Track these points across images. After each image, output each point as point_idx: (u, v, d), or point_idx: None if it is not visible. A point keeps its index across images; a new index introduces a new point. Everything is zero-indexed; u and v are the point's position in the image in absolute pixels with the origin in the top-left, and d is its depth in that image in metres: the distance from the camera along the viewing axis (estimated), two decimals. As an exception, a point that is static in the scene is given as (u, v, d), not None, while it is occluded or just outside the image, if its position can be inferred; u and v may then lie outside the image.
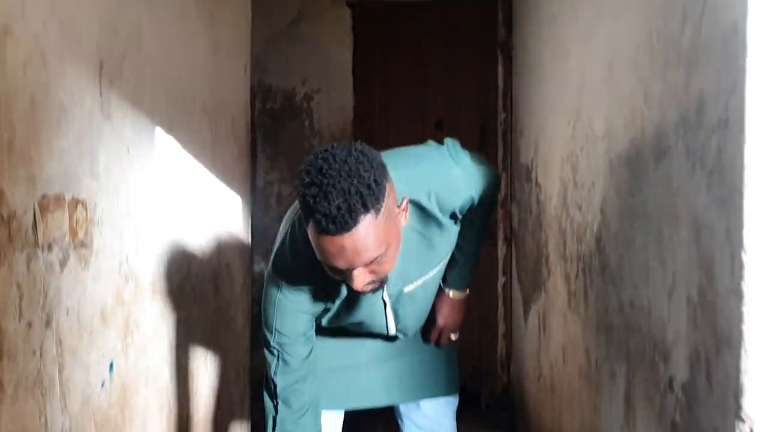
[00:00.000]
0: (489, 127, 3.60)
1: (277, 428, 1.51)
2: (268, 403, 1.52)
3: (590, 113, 1.87)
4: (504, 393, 3.62)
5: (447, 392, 1.83)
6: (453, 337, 1.78)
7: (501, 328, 3.63)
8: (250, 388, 2.61)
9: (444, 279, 1.74)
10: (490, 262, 3.68)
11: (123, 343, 1.54)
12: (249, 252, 2.62)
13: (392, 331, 1.65)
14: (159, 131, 1.74)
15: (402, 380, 1.76)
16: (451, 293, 1.73)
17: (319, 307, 1.51)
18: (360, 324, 1.61)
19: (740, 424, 0.98)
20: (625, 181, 1.55)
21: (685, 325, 1.18)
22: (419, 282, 1.58)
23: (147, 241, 1.66)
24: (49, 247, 1.24)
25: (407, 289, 1.57)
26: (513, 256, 3.45)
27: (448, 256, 1.63)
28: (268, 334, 1.50)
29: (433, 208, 1.45)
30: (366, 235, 1.18)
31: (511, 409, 3.53)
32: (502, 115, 3.49)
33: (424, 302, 1.67)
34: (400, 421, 1.84)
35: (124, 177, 1.54)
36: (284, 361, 1.51)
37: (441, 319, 1.72)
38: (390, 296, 1.56)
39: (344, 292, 1.49)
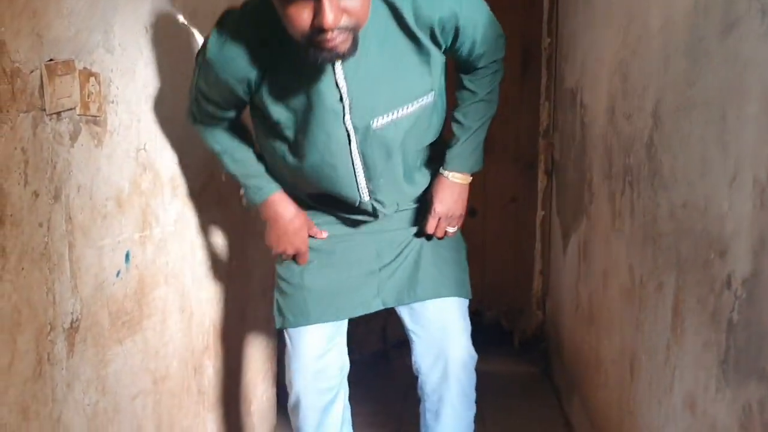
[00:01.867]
0: (532, 54, 3.44)
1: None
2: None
3: (645, 11, 1.72)
4: (538, 330, 3.52)
5: (453, 293, 1.68)
6: (451, 230, 1.64)
7: (537, 265, 3.51)
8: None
9: (443, 161, 1.61)
10: (528, 196, 3.56)
11: (140, 234, 1.47)
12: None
13: (365, 194, 1.51)
14: (181, 18, 1.64)
15: (398, 281, 1.64)
16: (450, 175, 1.59)
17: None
18: (324, 178, 1.49)
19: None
20: (683, 73, 1.41)
21: (750, 211, 1.06)
22: (389, 117, 1.41)
23: (167, 133, 1.58)
24: (58, 116, 1.16)
25: (375, 123, 1.40)
26: (553, 189, 3.32)
27: (430, 99, 1.45)
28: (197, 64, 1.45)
29: (406, 9, 1.32)
30: None
31: (545, 346, 3.44)
32: (546, 41, 3.32)
33: (398, 153, 1.48)
34: (409, 338, 1.74)
35: (142, 58, 1.45)
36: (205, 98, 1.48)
37: (438, 205, 1.58)
38: (355, 129, 1.40)
39: (297, 100, 1.38)
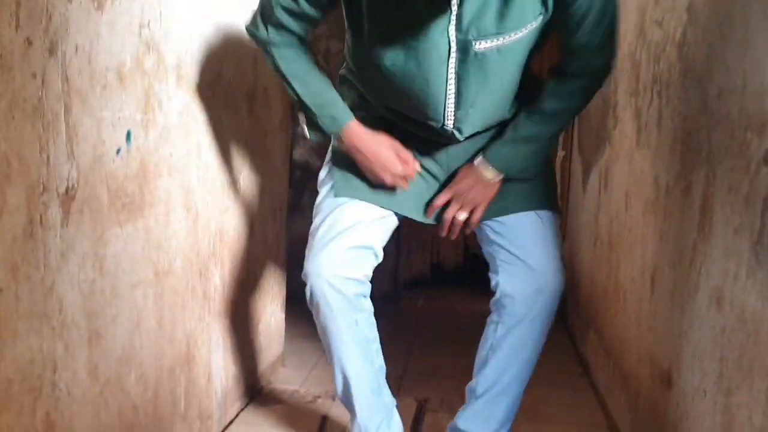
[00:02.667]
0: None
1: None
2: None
3: None
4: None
5: (535, 207, 1.55)
6: (461, 216, 1.51)
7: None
8: (286, 243, 2.50)
9: (483, 149, 1.49)
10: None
11: (143, 116, 1.40)
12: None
13: (449, 120, 1.42)
14: None
15: None
16: (482, 167, 1.48)
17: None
18: (414, 93, 1.39)
19: None
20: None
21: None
22: (494, 42, 1.31)
23: (171, 16, 1.50)
24: (54, -35, 1.09)
25: (479, 46, 1.31)
26: (575, 128, 3.22)
27: (537, 24, 1.33)
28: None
29: None
30: None
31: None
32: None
33: (496, 83, 1.39)
34: (489, 255, 1.60)
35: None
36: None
37: (460, 185, 1.49)
38: (458, 45, 1.31)
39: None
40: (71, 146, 1.17)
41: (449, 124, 1.44)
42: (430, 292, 3.68)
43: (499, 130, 1.53)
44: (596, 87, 1.50)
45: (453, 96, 1.39)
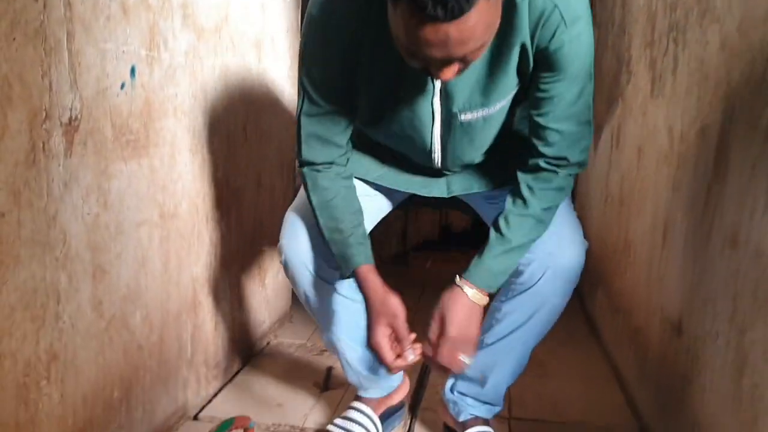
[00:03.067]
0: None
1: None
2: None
3: None
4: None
5: None
6: (467, 360, 1.30)
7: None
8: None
9: (465, 269, 1.34)
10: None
11: (147, 53, 1.38)
12: (297, 23, 2.40)
13: (437, 158, 1.37)
14: None
15: (471, 173, 1.45)
16: (466, 288, 1.30)
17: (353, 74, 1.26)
18: (401, 136, 1.35)
19: None
20: None
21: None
22: (479, 113, 1.27)
23: (179, -48, 1.47)
24: None
25: (464, 117, 1.26)
26: (586, 88, 3.17)
27: (504, 107, 1.28)
28: (300, 66, 1.32)
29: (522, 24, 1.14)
30: (477, 22, 0.94)
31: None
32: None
33: (482, 143, 1.34)
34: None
35: None
36: (310, 100, 1.30)
37: (450, 327, 1.28)
38: (442, 115, 1.27)
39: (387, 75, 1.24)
40: (74, 75, 1.15)
41: (437, 161, 1.38)
42: (439, 254, 3.66)
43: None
44: (570, 183, 1.34)
45: (439, 153, 1.36)
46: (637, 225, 1.98)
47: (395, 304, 1.31)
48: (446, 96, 1.24)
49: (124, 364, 1.39)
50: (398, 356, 1.30)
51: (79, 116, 1.17)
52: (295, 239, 1.45)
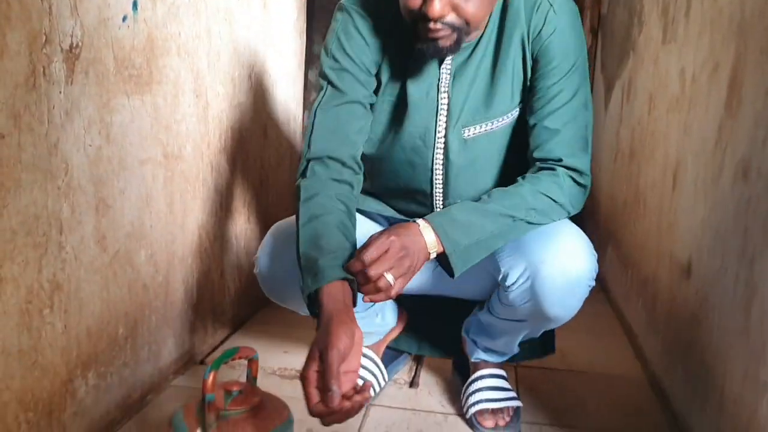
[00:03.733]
0: None
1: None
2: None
3: None
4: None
5: None
6: (382, 282, 1.09)
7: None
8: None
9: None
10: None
11: (150, -12, 1.36)
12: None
13: (438, 198, 1.33)
14: None
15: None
16: (425, 230, 1.14)
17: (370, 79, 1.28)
18: (403, 173, 1.33)
19: None
20: None
21: None
22: (481, 128, 1.27)
23: None
24: None
25: (467, 133, 1.27)
26: (598, 47, 3.13)
27: (514, 117, 1.28)
28: (323, 58, 1.30)
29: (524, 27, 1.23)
30: None
31: (578, 214, 3.33)
32: None
33: (484, 170, 1.31)
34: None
35: None
36: (333, 88, 1.27)
37: (393, 249, 1.10)
38: (446, 131, 1.27)
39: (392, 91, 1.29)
40: (74, 1, 1.13)
41: (438, 201, 1.35)
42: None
43: None
44: (568, 201, 1.25)
45: (441, 177, 1.31)
46: (647, 175, 1.95)
47: (336, 332, 1.00)
48: (449, 114, 1.27)
49: (129, 302, 1.39)
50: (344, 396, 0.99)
51: (80, 44, 1.15)
52: (277, 256, 1.33)
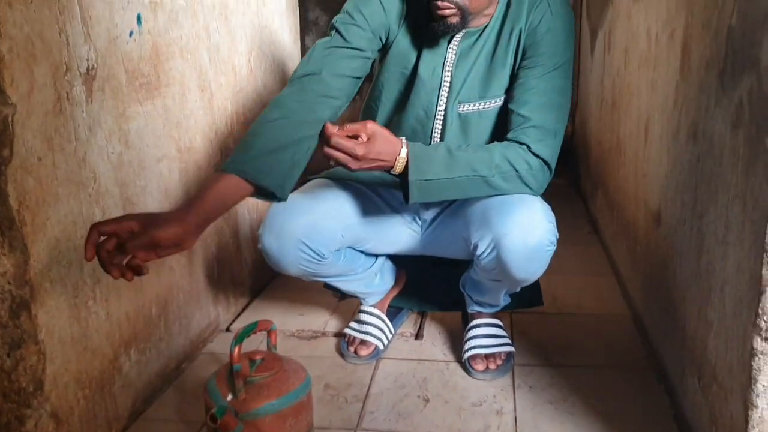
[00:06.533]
0: None
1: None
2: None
3: None
4: (568, 144, 3.53)
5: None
6: (340, 155, 1.28)
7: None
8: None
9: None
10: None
11: (150, 0, 1.49)
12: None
13: None
14: None
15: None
16: (404, 146, 1.33)
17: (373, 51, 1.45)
18: (406, 127, 1.51)
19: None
20: None
21: None
22: (475, 106, 1.46)
23: None
24: None
25: (462, 108, 1.46)
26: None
27: (502, 102, 1.45)
28: (337, 16, 1.45)
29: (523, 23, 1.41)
30: None
31: (573, 157, 3.46)
32: None
33: (473, 142, 1.47)
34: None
35: None
36: (339, 35, 1.42)
37: (367, 126, 1.30)
38: (446, 105, 1.47)
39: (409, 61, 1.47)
40: (87, 29, 1.27)
41: None
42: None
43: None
44: (535, 178, 1.39)
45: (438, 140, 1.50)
46: (625, 125, 2.08)
47: (163, 218, 1.12)
48: (450, 90, 1.46)
49: (158, 285, 1.57)
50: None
51: (95, 65, 1.30)
52: (284, 228, 1.49)
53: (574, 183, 3.39)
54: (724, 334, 1.11)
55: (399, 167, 1.34)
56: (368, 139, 1.29)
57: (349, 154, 1.28)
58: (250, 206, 2.11)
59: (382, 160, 1.31)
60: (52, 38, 1.18)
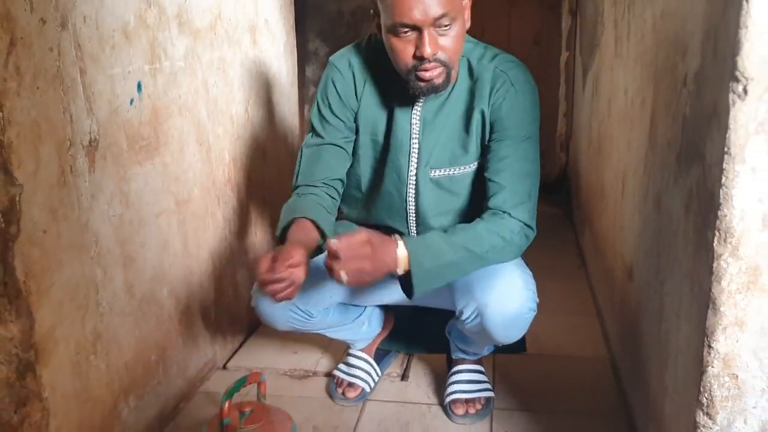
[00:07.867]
0: None
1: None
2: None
3: None
4: (562, 173, 3.61)
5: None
6: (344, 276, 1.31)
7: (562, 107, 3.55)
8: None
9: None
10: (551, 38, 3.54)
11: (150, 67, 1.59)
12: (291, 8, 2.58)
13: (412, 224, 1.61)
14: None
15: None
16: (401, 247, 1.38)
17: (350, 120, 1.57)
18: (383, 207, 1.62)
19: (734, 85, 0.94)
20: None
21: (703, 7, 1.11)
22: (446, 171, 1.55)
23: (170, -30, 1.65)
24: (57, -53, 1.25)
25: (433, 174, 1.55)
26: (577, 29, 3.29)
27: (473, 169, 1.54)
28: (314, 104, 1.61)
29: (484, 89, 1.48)
30: None
31: (568, 186, 3.54)
32: None
33: (446, 205, 1.58)
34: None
35: None
36: (316, 134, 1.59)
37: (360, 239, 1.33)
38: (417, 170, 1.55)
39: (380, 129, 1.56)
40: (89, 104, 1.37)
41: (412, 226, 1.63)
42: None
43: None
44: (515, 243, 1.48)
45: (414, 206, 1.60)
46: (608, 173, 2.17)
47: (288, 246, 1.37)
48: (419, 156, 1.54)
49: (157, 332, 1.66)
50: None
51: (97, 137, 1.39)
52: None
53: (567, 213, 3.47)
54: (677, 401, 1.20)
55: (402, 267, 1.39)
56: (371, 251, 1.33)
57: (336, 278, 1.33)
58: (248, 246, 2.21)
59: (376, 270, 1.35)
60: (56, 117, 1.27)
